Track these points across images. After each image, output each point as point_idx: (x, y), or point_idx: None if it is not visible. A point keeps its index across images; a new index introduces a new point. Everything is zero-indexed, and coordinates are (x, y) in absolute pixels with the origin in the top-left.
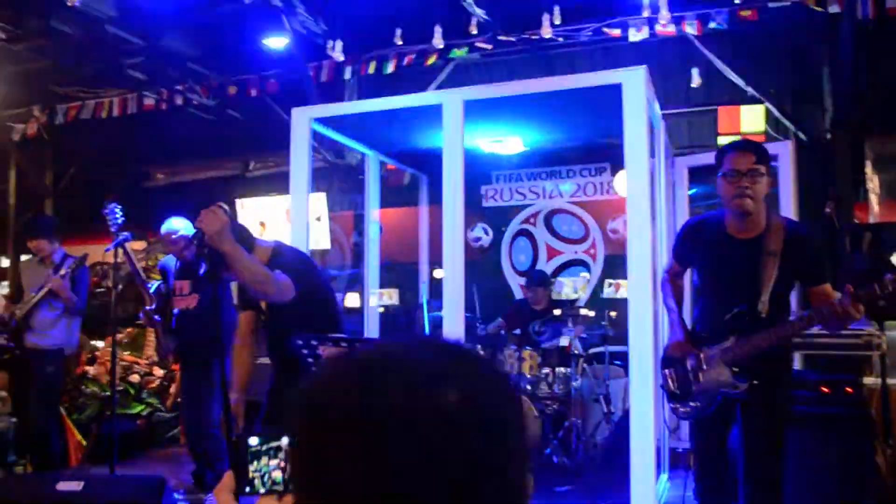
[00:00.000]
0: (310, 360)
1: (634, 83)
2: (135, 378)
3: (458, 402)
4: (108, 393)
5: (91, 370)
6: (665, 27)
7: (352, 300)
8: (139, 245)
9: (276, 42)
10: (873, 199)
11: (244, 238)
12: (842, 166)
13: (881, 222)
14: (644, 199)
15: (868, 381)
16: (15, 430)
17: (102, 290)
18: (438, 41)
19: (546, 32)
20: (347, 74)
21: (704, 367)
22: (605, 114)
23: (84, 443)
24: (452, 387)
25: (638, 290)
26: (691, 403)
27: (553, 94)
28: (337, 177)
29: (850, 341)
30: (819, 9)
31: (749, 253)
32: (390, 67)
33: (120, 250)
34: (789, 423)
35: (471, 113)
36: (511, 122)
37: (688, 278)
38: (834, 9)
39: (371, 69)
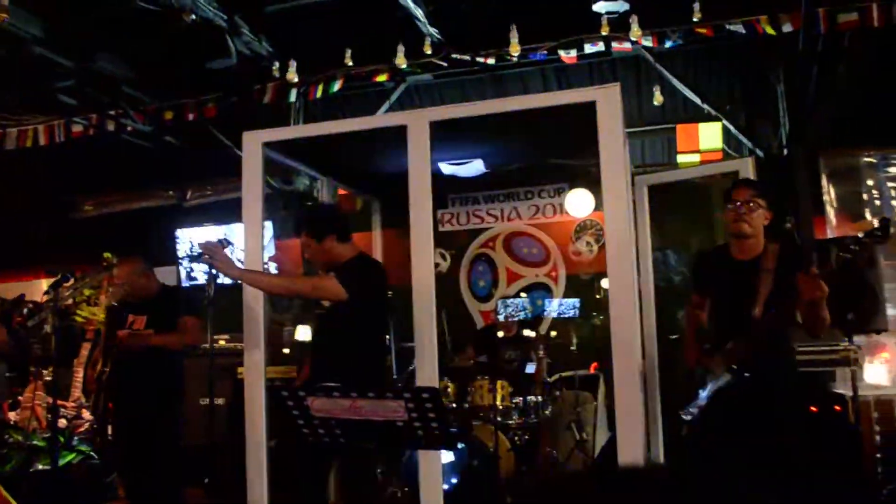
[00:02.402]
0: (294, 412)
1: (610, 101)
2: (62, 423)
3: None
4: (34, 442)
5: (13, 416)
6: (622, 43)
7: (304, 333)
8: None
9: (220, 64)
10: (830, 212)
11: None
12: (800, 182)
13: (841, 236)
14: (624, 218)
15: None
16: None
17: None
18: (401, 60)
19: (514, 49)
20: (293, 97)
21: (710, 371)
22: (567, 133)
23: (12, 502)
24: None
25: (621, 311)
26: (697, 405)
27: (517, 113)
28: (285, 203)
29: (827, 357)
30: (772, 32)
31: (748, 271)
32: (337, 86)
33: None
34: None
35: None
36: (472, 143)
37: None
38: (787, 28)
39: (319, 92)
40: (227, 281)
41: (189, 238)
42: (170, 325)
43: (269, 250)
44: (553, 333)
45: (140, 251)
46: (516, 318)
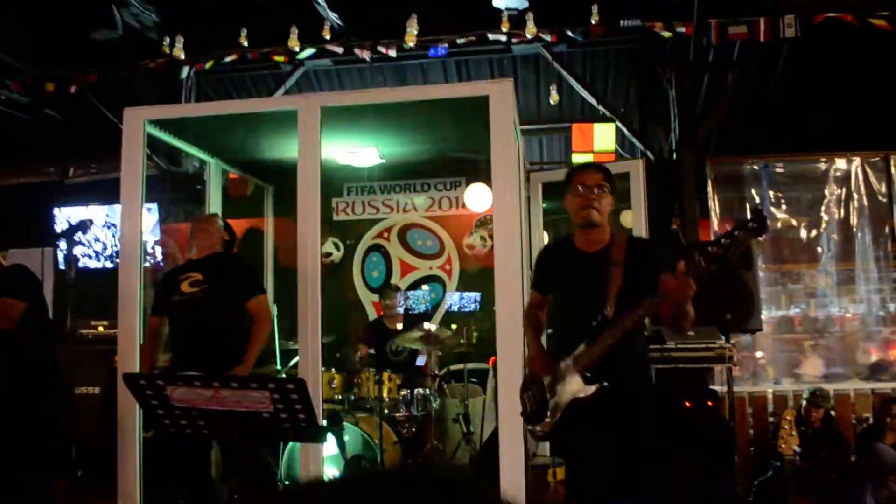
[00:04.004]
0: (153, 402)
1: (502, 95)
2: None
3: None
4: None
5: None
6: (522, 37)
7: None
8: None
9: (105, 35)
10: (714, 217)
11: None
12: (687, 186)
13: (717, 236)
14: (513, 211)
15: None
16: None
17: None
18: (294, 42)
19: (410, 40)
20: (184, 73)
21: (560, 379)
22: (464, 127)
23: None
24: None
25: (506, 305)
26: (546, 420)
27: (414, 104)
28: (171, 186)
29: (702, 354)
30: (668, 34)
31: (596, 264)
32: (230, 57)
33: None
34: (655, 424)
35: (324, 121)
36: (366, 132)
37: None
38: (681, 30)
39: (209, 64)
40: (94, 265)
41: (67, 217)
42: None
43: (155, 234)
44: (454, 326)
45: None
46: (414, 311)
